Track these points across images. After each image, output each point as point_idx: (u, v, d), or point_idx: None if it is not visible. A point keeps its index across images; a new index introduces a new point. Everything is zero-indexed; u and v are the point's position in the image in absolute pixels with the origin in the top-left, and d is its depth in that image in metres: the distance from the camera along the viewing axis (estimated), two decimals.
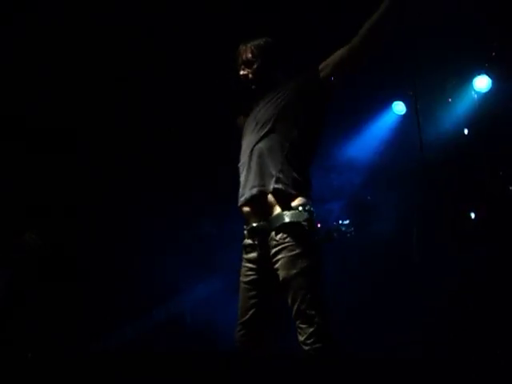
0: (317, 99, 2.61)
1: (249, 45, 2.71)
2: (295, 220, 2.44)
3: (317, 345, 2.33)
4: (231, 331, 2.58)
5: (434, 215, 5.15)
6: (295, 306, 2.39)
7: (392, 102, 5.55)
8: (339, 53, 2.56)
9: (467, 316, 4.55)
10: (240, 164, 2.65)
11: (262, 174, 2.51)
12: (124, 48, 4.41)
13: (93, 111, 4.64)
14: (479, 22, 4.48)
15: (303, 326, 2.37)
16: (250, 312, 2.53)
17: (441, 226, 5.09)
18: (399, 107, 5.56)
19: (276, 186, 2.47)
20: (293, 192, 2.48)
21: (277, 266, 2.45)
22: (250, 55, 2.69)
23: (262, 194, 2.50)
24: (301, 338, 2.38)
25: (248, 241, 2.58)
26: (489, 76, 5.10)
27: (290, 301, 2.42)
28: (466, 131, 5.25)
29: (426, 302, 4.70)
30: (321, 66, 2.58)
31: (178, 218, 5.10)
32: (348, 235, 4.01)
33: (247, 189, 2.55)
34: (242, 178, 2.60)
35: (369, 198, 5.55)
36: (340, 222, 4.02)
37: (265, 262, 2.51)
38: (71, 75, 4.38)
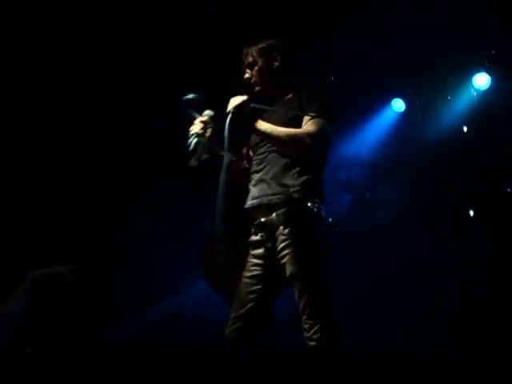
0: None
1: (250, 48, 2.75)
2: (303, 216, 2.47)
3: (323, 340, 2.31)
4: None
5: (433, 212, 5.16)
6: (302, 301, 2.37)
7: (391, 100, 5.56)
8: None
9: (467, 311, 4.57)
10: (252, 170, 2.66)
11: (275, 185, 2.53)
12: (126, 48, 4.41)
13: (92, 110, 4.64)
14: (479, 20, 4.48)
15: (310, 321, 2.34)
16: (247, 306, 2.51)
17: (440, 222, 5.10)
18: (398, 104, 5.55)
19: (294, 195, 2.48)
20: (305, 198, 2.50)
21: (284, 260, 2.44)
22: (250, 58, 2.73)
23: (272, 202, 2.52)
24: (307, 334, 2.35)
25: (255, 237, 2.59)
26: (488, 74, 5.10)
27: (296, 296, 2.40)
28: (465, 129, 5.26)
29: (426, 298, 4.72)
30: (305, 119, 2.58)
31: (178, 216, 5.10)
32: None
33: (257, 195, 2.57)
34: (252, 183, 2.63)
35: (368, 195, 5.55)
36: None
37: (271, 258, 2.50)
38: (68, 72, 4.38)
